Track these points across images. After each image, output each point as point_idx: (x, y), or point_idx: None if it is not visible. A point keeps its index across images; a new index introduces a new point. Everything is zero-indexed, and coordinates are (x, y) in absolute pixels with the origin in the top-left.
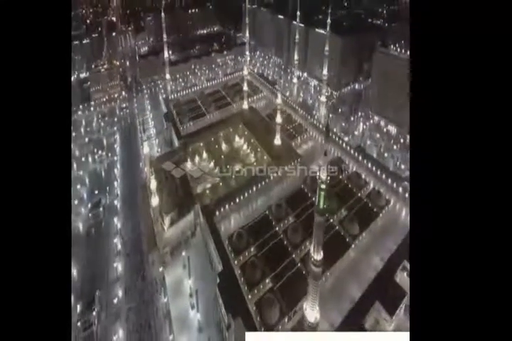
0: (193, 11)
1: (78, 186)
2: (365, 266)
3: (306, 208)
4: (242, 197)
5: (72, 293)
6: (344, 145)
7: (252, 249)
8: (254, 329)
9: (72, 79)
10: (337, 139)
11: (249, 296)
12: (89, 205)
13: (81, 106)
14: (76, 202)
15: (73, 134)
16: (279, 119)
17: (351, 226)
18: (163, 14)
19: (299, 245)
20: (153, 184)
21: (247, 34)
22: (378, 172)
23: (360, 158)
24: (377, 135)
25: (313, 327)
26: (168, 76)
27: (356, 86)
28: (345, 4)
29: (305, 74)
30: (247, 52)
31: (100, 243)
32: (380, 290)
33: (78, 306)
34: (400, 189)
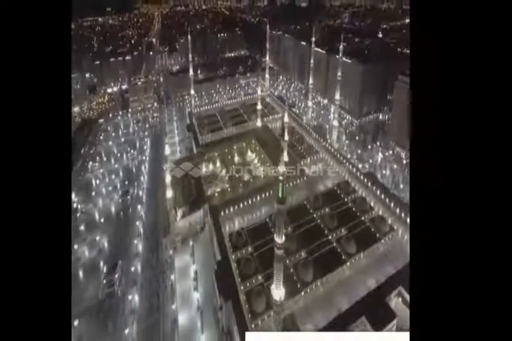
0: (223, 35)
1: (113, 176)
2: (358, 284)
3: (306, 222)
4: (246, 204)
5: (101, 259)
6: (354, 170)
7: (249, 248)
8: (241, 313)
9: (116, 89)
10: (347, 164)
11: (242, 287)
12: (120, 193)
13: (121, 112)
14: (110, 188)
15: (113, 134)
16: (286, 137)
17: (348, 245)
18: (189, 37)
19: (293, 253)
20: (168, 179)
21: (267, 58)
22: (387, 200)
23: (369, 184)
24: (395, 166)
25: (279, 305)
26: (192, 92)
27: (380, 116)
28: (379, 33)
29: (326, 101)
30: (267, 75)
31: (126, 224)
32: (367, 306)
33: (105, 268)
34: (409, 219)
